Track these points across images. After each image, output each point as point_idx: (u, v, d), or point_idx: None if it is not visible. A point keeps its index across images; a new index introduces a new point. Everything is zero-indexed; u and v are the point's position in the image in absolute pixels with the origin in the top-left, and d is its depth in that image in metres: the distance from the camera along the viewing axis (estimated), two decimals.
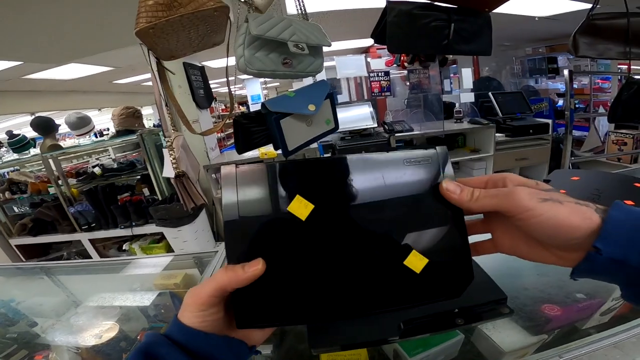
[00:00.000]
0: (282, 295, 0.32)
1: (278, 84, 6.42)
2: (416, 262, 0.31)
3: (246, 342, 0.35)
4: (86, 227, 2.65)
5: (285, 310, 0.32)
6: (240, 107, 7.15)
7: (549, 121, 3.00)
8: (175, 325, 0.33)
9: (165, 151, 0.86)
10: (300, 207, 0.30)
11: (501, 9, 1.40)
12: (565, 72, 2.54)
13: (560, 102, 4.10)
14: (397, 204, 0.32)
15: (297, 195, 0.30)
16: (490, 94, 3.08)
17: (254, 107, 4.90)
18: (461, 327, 0.48)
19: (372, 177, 0.32)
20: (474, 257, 0.44)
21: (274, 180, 0.31)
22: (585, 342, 0.51)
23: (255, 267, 0.30)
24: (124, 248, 2.61)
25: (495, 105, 2.99)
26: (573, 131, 2.96)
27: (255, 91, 5.40)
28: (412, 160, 0.33)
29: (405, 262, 0.31)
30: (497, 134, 2.88)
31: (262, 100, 5.58)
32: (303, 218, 0.30)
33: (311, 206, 0.30)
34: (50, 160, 2.60)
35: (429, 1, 1.27)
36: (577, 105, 3.52)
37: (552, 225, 0.28)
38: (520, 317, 0.61)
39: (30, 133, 3.36)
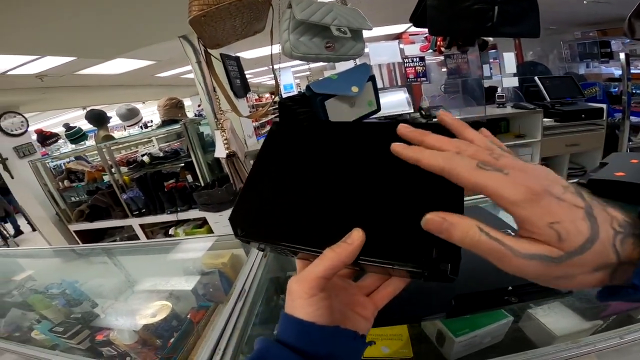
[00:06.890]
0: (284, 216, 0.34)
1: (309, 73, 6.45)
2: None
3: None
4: (137, 212, 2.83)
5: (282, 230, 0.34)
6: (272, 95, 7.26)
7: (604, 106, 2.78)
8: (286, 322, 0.30)
9: (216, 133, 0.91)
10: None
11: None
12: (622, 55, 2.34)
13: (612, 87, 3.79)
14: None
15: None
16: (536, 78, 2.89)
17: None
18: (514, 304, 0.48)
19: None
20: None
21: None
22: None
23: (357, 235, 0.29)
24: (170, 233, 2.78)
25: (543, 90, 2.80)
26: (630, 117, 2.72)
27: (287, 80, 5.47)
28: None
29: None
30: (544, 119, 2.70)
31: (294, 89, 5.65)
32: None
33: None
34: (104, 150, 2.79)
35: None
36: (634, 90, 3.22)
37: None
38: (575, 300, 0.59)
39: (83, 126, 3.63)
